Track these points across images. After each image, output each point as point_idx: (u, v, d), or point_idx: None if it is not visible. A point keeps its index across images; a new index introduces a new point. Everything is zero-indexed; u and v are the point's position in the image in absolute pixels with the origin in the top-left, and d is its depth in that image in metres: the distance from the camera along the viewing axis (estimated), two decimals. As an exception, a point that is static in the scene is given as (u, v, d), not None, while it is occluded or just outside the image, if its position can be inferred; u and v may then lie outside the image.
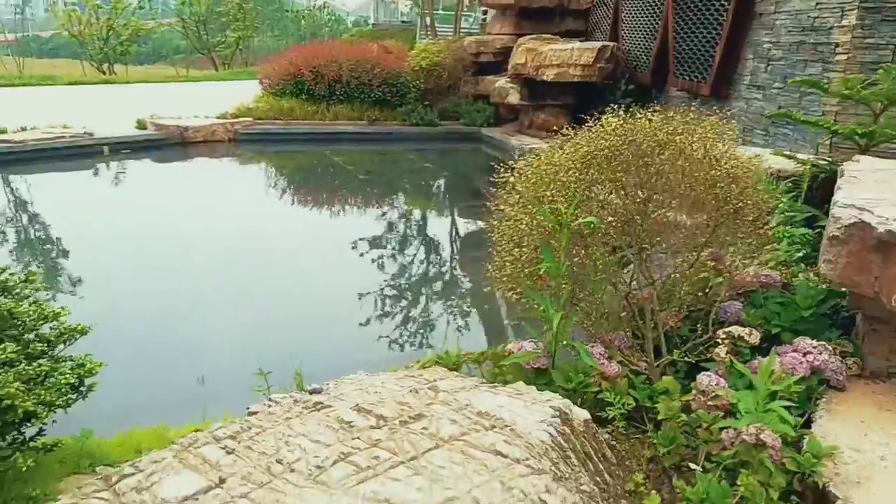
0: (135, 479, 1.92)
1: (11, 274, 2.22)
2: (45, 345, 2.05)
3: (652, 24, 10.97)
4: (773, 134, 7.72)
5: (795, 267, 3.89)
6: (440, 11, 23.68)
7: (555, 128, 10.90)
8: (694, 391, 2.72)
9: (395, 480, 1.91)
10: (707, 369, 2.89)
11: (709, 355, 3.05)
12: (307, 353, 4.53)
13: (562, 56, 11.68)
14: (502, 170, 3.28)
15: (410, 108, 13.85)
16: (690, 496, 2.24)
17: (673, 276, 3.27)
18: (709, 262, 3.21)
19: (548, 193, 2.90)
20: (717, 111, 3.33)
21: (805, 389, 2.75)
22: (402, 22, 29.63)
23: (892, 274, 2.72)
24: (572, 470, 2.24)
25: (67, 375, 1.96)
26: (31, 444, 1.98)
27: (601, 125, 3.09)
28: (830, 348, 2.88)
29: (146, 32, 31.48)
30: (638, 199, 3.01)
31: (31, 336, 2.09)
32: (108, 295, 5.68)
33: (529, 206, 3.02)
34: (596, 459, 2.46)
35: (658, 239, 3.06)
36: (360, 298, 5.84)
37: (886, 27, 6.18)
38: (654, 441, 2.63)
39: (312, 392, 2.83)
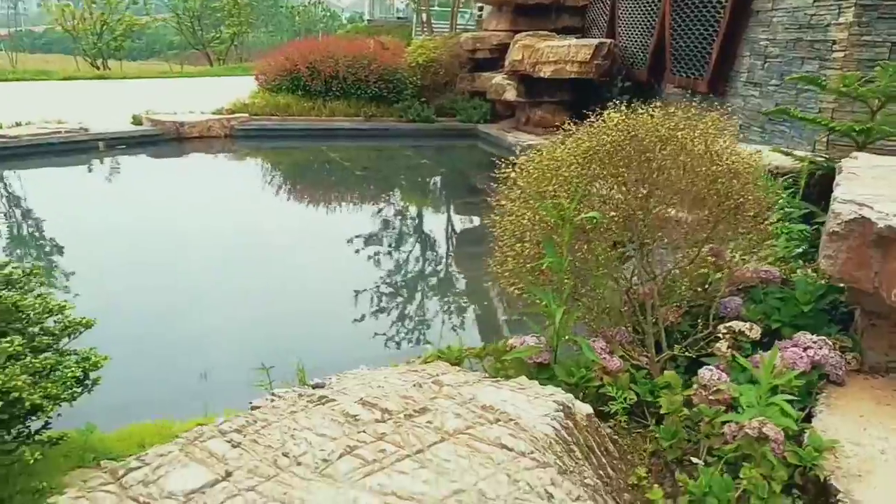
0: (141, 473, 1.91)
1: (15, 267, 2.22)
2: (51, 338, 2.05)
3: (649, 20, 10.98)
4: (769, 131, 7.75)
5: (794, 263, 3.92)
6: (436, 8, 23.62)
7: (551, 125, 10.97)
8: (695, 386, 2.74)
9: (401, 473, 1.91)
10: (707, 364, 2.90)
11: (709, 350, 3.07)
12: (306, 350, 4.54)
13: (559, 53, 11.68)
14: (503, 165, 3.29)
15: (407, 104, 13.83)
16: (693, 489, 2.26)
17: (673, 271, 3.28)
18: (709, 258, 3.23)
19: (550, 188, 2.91)
20: (718, 108, 3.34)
21: (805, 384, 2.77)
22: (398, 18, 29.57)
23: (892, 269, 2.74)
24: (576, 463, 2.25)
25: (73, 369, 1.96)
26: (37, 437, 1.98)
27: (603, 121, 3.10)
28: (830, 343, 2.90)
29: (140, 28, 31.33)
30: (639, 195, 3.02)
31: (36, 329, 2.09)
32: (104, 291, 5.66)
33: (531, 202, 3.02)
34: (599, 453, 2.48)
35: (659, 234, 3.07)
36: (358, 295, 5.85)
37: (883, 24, 6.21)
38: (656, 435, 2.64)
39: (315, 387, 2.84)
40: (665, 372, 2.81)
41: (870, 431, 2.59)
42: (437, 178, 12.05)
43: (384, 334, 5.24)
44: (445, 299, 6.18)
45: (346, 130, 13.43)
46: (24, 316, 2.00)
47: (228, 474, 1.91)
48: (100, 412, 2.84)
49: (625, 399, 2.76)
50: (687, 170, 2.99)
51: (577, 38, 12.82)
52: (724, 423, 2.44)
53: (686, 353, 3.06)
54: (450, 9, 24.22)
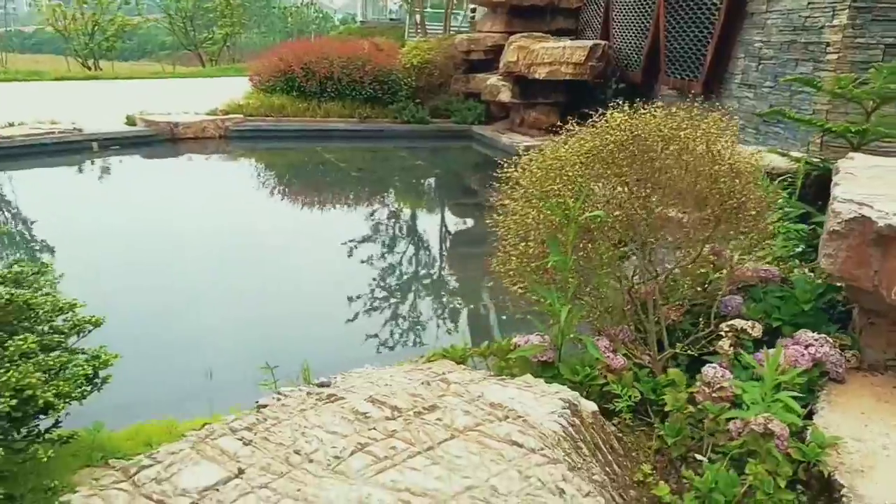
0: (154, 471, 1.92)
1: (22, 265, 2.21)
2: (60, 336, 2.05)
3: (643, 22, 11.04)
4: (764, 132, 7.82)
5: (792, 262, 3.95)
6: (428, 9, 23.65)
7: (546, 126, 11.00)
8: (699, 383, 2.76)
9: (413, 470, 1.92)
10: (709, 362, 2.93)
11: (711, 349, 3.09)
12: (305, 350, 4.55)
13: (553, 54, 11.73)
14: (505, 165, 3.31)
15: (402, 105, 13.85)
16: (699, 485, 2.28)
17: (675, 270, 3.31)
18: (710, 257, 3.25)
19: (555, 188, 2.93)
20: (716, 109, 3.37)
21: (806, 381, 2.80)
22: (391, 19, 29.58)
23: (892, 267, 2.78)
24: (584, 460, 2.27)
25: (84, 367, 1.96)
26: (47, 435, 1.98)
27: (606, 121, 3.12)
28: (831, 341, 2.93)
29: (132, 28, 31.19)
30: (642, 195, 3.04)
31: (45, 327, 2.08)
32: (100, 291, 5.63)
33: (535, 201, 3.04)
34: (605, 450, 2.50)
35: (662, 233, 3.10)
36: (356, 295, 5.85)
37: (877, 27, 6.28)
38: (661, 433, 2.67)
39: (320, 385, 2.83)
40: (669, 370, 2.83)
41: (871, 428, 2.62)
42: (433, 180, 12.07)
43: (383, 334, 5.25)
44: (443, 299, 6.20)
45: (341, 131, 13.43)
46: (34, 314, 2.00)
47: (241, 472, 1.92)
48: (100, 411, 2.84)
49: (629, 397, 2.78)
50: (689, 169, 3.02)
51: (571, 39, 12.87)
52: (728, 419, 2.47)
53: (688, 352, 3.08)
54: (442, 10, 24.26)
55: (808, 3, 6.98)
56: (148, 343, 4.81)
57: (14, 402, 1.71)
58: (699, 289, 3.44)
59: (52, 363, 1.86)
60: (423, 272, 6.98)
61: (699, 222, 3.10)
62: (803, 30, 7.10)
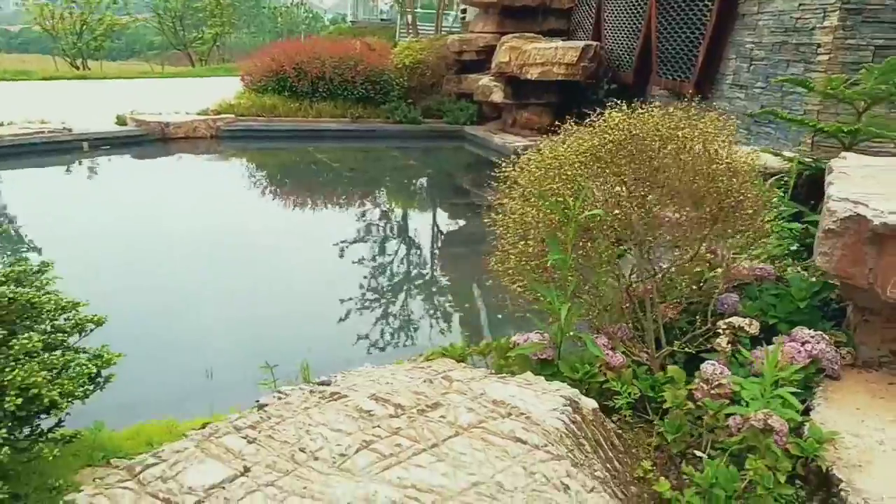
0: (159, 469, 1.92)
1: (23, 263, 2.20)
2: (63, 335, 2.04)
3: (635, 23, 11.10)
4: (755, 133, 7.87)
5: (786, 261, 3.99)
6: (419, 10, 23.64)
7: (538, 126, 11.02)
8: (697, 380, 2.79)
9: (419, 467, 1.93)
10: (706, 360, 2.95)
11: (708, 346, 3.12)
12: (302, 350, 4.53)
13: (546, 55, 11.76)
14: (504, 165, 3.32)
15: (394, 105, 13.84)
16: (700, 481, 2.30)
17: (672, 268, 3.33)
18: (708, 255, 3.28)
19: (554, 186, 2.94)
20: (711, 109, 3.40)
21: (803, 378, 2.83)
22: (382, 20, 29.55)
23: (887, 265, 2.81)
24: (586, 457, 2.29)
25: (89, 365, 1.95)
26: (50, 435, 1.97)
27: (604, 120, 3.14)
28: (827, 338, 2.97)
29: (120, 28, 31.00)
30: (639, 194, 3.06)
31: (47, 326, 2.08)
32: (94, 292, 5.57)
33: (534, 200, 3.06)
34: (606, 447, 2.51)
35: (660, 232, 3.12)
36: (351, 295, 5.85)
37: (867, 28, 6.35)
38: (660, 429, 2.68)
39: (321, 384, 2.84)
40: (668, 367, 2.85)
41: (867, 423, 2.65)
42: (425, 180, 12.08)
43: (379, 334, 5.25)
44: (438, 299, 6.20)
45: (333, 131, 13.40)
46: (36, 313, 1.99)
47: (247, 469, 1.92)
48: (97, 411, 2.83)
49: (629, 394, 2.79)
50: (686, 169, 3.04)
51: (562, 40, 12.92)
52: (728, 415, 2.49)
53: (686, 349, 3.10)
54: (433, 11, 24.27)
55: (799, 5, 7.05)
56: (143, 343, 4.78)
57: (19, 400, 1.70)
58: (695, 287, 3.47)
59: (55, 362, 1.86)
60: (416, 272, 6.99)
61: (696, 221, 3.12)
62: (794, 31, 7.16)
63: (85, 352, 2.19)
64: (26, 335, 1.81)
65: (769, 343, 3.05)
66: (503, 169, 3.32)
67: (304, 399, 2.33)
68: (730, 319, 3.02)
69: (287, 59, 13.67)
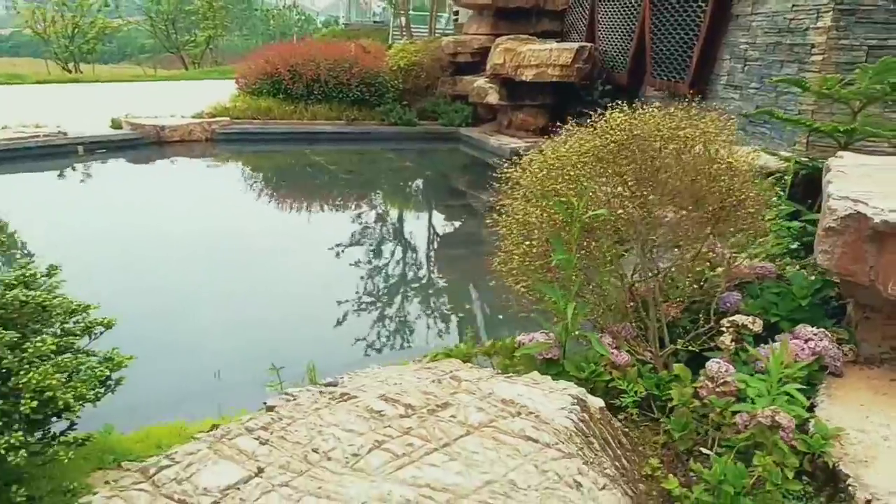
0: (173, 471, 1.92)
1: (31, 267, 2.20)
2: (73, 338, 2.04)
3: (629, 25, 11.15)
4: (750, 133, 7.92)
5: (785, 259, 4.02)
6: (412, 12, 23.66)
7: (533, 127, 11.02)
8: (701, 378, 2.81)
9: (432, 466, 1.94)
10: (708, 358, 2.97)
11: (712, 345, 3.14)
12: (304, 352, 4.53)
13: (540, 56, 11.80)
14: (505, 166, 3.34)
15: (389, 107, 13.85)
16: (708, 478, 2.31)
17: (674, 268, 3.36)
18: (710, 254, 3.31)
19: (557, 187, 2.96)
20: (710, 110, 3.43)
21: (806, 375, 2.85)
22: (374, 22, 29.58)
23: (888, 262, 2.84)
24: (595, 455, 2.30)
25: (103, 368, 1.95)
26: (62, 438, 1.97)
27: (606, 120, 3.17)
28: (830, 335, 2.99)
29: (112, 31, 30.89)
30: (641, 194, 3.09)
31: (57, 329, 2.08)
32: (89, 296, 5.58)
33: (536, 200, 3.08)
34: (613, 445, 2.53)
35: (662, 231, 3.14)
36: (353, 297, 5.85)
37: (860, 28, 6.40)
38: (667, 427, 2.70)
39: (328, 385, 2.84)
40: (674, 365, 2.87)
41: (871, 419, 2.68)
42: (421, 182, 12.08)
43: (381, 335, 5.26)
44: (439, 300, 6.21)
45: (329, 134, 13.40)
46: (47, 315, 1.99)
47: (260, 470, 1.93)
48: (102, 414, 2.83)
49: (635, 392, 2.81)
50: (688, 168, 3.06)
51: (556, 42, 12.96)
52: (734, 413, 2.51)
53: (689, 348, 3.12)
54: (426, 13, 24.31)
55: (793, 6, 7.10)
56: (143, 345, 4.75)
57: (35, 403, 1.70)
58: (697, 286, 3.50)
59: (68, 364, 1.86)
60: (415, 273, 7.00)
61: (698, 220, 3.15)
62: (788, 32, 7.21)
63: (94, 355, 2.19)
64: (39, 338, 1.81)
65: (771, 341, 3.08)
66: (505, 170, 3.34)
67: (315, 400, 2.34)
68: (733, 317, 3.05)
69: (282, 62, 13.67)
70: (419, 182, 12.07)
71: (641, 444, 2.75)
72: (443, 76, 14.76)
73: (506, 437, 2.10)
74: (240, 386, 4.22)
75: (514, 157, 3.39)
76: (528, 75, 11.98)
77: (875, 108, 5.66)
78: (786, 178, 4.72)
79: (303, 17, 51.78)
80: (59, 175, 10.15)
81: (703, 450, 2.61)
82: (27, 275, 2.05)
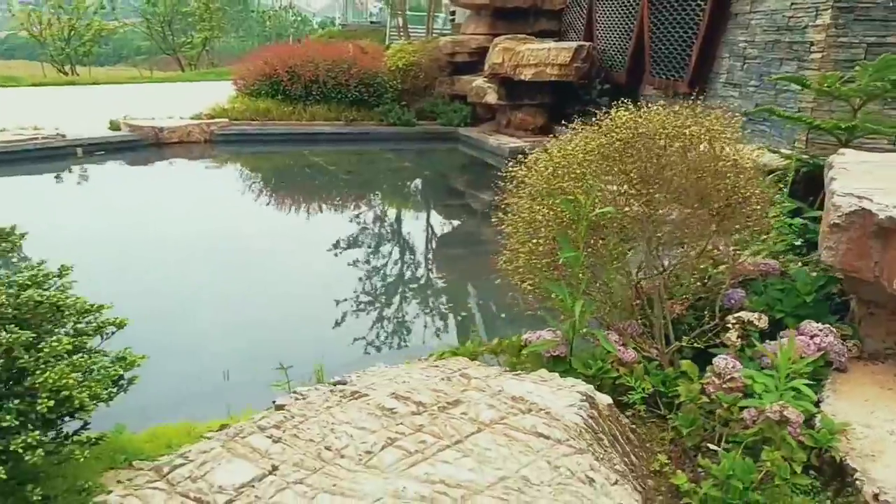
0: (187, 469, 1.93)
1: (42, 267, 2.21)
2: (85, 338, 2.04)
3: (627, 24, 11.17)
4: (750, 130, 7.93)
5: (788, 256, 4.04)
6: (409, 12, 23.68)
7: (532, 127, 11.02)
8: (708, 374, 2.82)
9: (445, 463, 1.95)
10: (713, 355, 2.99)
11: (717, 341, 3.16)
12: (308, 351, 4.54)
13: (539, 55, 11.81)
14: (511, 165, 3.36)
15: (387, 108, 13.85)
16: (717, 473, 2.33)
17: (678, 265, 3.37)
18: (714, 252, 3.32)
19: (564, 185, 2.97)
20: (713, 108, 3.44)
21: (812, 371, 2.87)
22: (371, 23, 29.57)
23: (892, 258, 2.86)
24: (605, 451, 2.32)
25: (116, 367, 1.96)
26: (75, 437, 1.97)
27: (611, 119, 3.18)
28: (835, 331, 3.01)
29: (108, 33, 30.86)
30: (646, 192, 3.10)
31: (69, 329, 2.08)
32: (91, 298, 5.58)
33: (545, 199, 3.09)
34: (622, 441, 2.54)
35: (668, 229, 3.16)
36: (355, 297, 5.86)
37: (859, 26, 6.42)
38: (675, 423, 2.72)
39: (336, 384, 2.85)
40: (681, 362, 2.89)
41: (877, 414, 2.69)
42: (421, 182, 12.09)
43: (381, 335, 5.26)
44: (441, 300, 6.22)
45: (327, 135, 13.39)
46: (61, 315, 2.00)
47: (274, 468, 1.93)
48: (107, 413, 2.83)
49: (642, 389, 2.83)
50: (693, 166, 3.08)
51: (554, 41, 12.97)
52: (742, 408, 2.52)
53: (695, 345, 3.14)
54: (422, 13, 24.31)
55: (792, 4, 7.12)
56: (145, 347, 4.77)
57: (52, 402, 1.71)
58: (701, 284, 3.51)
59: (83, 364, 1.86)
60: (417, 273, 7.00)
61: (704, 217, 3.16)
62: (787, 30, 7.23)
63: (106, 354, 2.20)
64: (55, 338, 1.82)
65: (775, 337, 3.10)
66: (510, 169, 3.36)
67: (326, 398, 2.34)
68: (739, 314, 3.06)
69: (280, 63, 13.66)
70: (418, 182, 12.08)
71: (649, 441, 2.76)
72: (441, 76, 14.76)
73: (517, 434, 2.12)
74: (242, 386, 4.22)
75: (520, 156, 3.40)
76: (526, 75, 11.99)
77: (875, 105, 5.68)
78: (787, 175, 4.73)
79: (299, 19, 51.75)
80: (59, 177, 10.13)
81: (711, 445, 2.63)
82: (40, 275, 2.05)
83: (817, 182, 4.61)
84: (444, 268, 7.21)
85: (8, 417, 1.67)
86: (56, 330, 2.10)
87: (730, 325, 3.03)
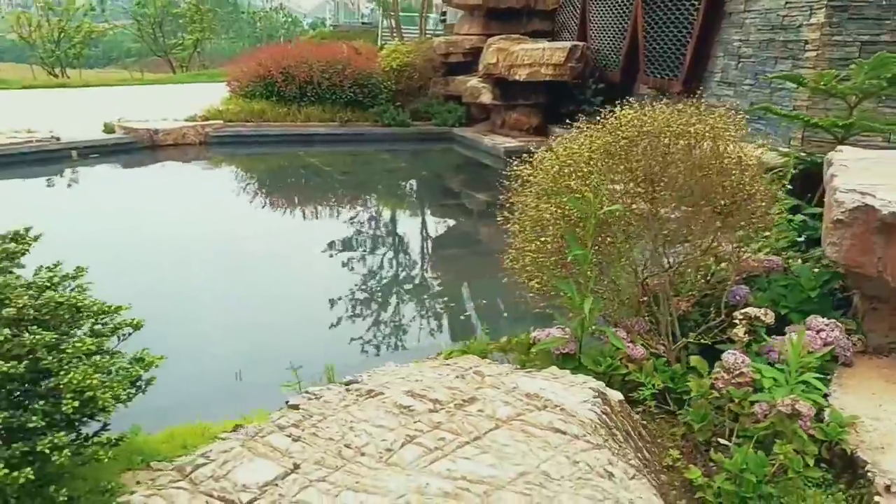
0: (209, 469, 1.94)
1: (57, 269, 2.21)
2: (102, 338, 2.05)
3: (621, 24, 11.23)
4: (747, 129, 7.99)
5: (790, 252, 4.08)
6: (401, 13, 23.70)
7: (527, 127, 11.05)
8: (717, 370, 2.85)
9: (465, 459, 1.97)
10: (719, 351, 3.02)
11: (724, 337, 3.19)
12: (312, 352, 4.54)
13: (533, 56, 11.85)
14: (516, 164, 3.38)
15: (382, 108, 13.85)
16: (729, 467, 2.35)
17: (684, 262, 3.40)
18: (719, 249, 3.35)
19: (571, 183, 3.00)
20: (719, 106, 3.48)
21: (818, 365, 2.90)
22: (363, 23, 29.60)
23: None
24: (619, 446, 2.34)
25: (137, 368, 1.97)
26: (96, 438, 1.98)
27: (616, 118, 3.21)
28: (840, 326, 3.04)
29: (99, 35, 30.71)
30: (653, 189, 3.13)
31: (86, 330, 2.08)
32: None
33: (552, 197, 3.11)
34: (634, 437, 2.57)
35: (674, 226, 3.18)
36: (353, 298, 5.86)
37: (853, 25, 6.49)
38: (686, 419, 2.74)
39: (349, 384, 2.86)
40: (691, 357, 2.92)
41: (884, 408, 2.73)
42: (417, 182, 12.10)
43: (381, 335, 5.27)
44: (442, 300, 6.23)
45: (322, 136, 13.38)
46: (79, 316, 2.00)
47: (296, 466, 1.95)
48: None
49: (652, 385, 2.85)
50: (697, 164, 3.11)
51: (548, 41, 13.02)
52: (753, 402, 2.55)
53: (702, 341, 3.16)
54: (413, 14, 24.34)
55: (786, 3, 7.19)
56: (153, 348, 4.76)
57: (76, 403, 1.71)
58: (706, 280, 3.55)
59: (104, 365, 1.87)
60: (417, 273, 7.02)
61: (709, 215, 3.19)
62: (781, 28, 7.30)
63: (123, 355, 2.20)
64: (78, 338, 1.83)
65: (780, 333, 3.14)
66: (514, 169, 3.38)
67: (342, 397, 2.36)
68: (745, 310, 3.09)
69: (274, 64, 13.64)
70: (415, 182, 12.09)
71: (660, 437, 2.79)
72: (435, 76, 14.78)
73: (534, 430, 2.14)
74: (249, 387, 4.22)
75: (524, 156, 3.42)
76: (521, 75, 12.03)
77: (869, 103, 5.74)
78: (787, 172, 4.77)
79: (289, 20, 51.67)
80: (54, 180, 10.09)
81: (721, 440, 2.65)
82: (58, 276, 2.06)
83: (813, 179, 4.66)
84: (443, 267, 7.22)
85: (34, 418, 1.67)
86: (73, 331, 2.11)
87: (737, 321, 3.06)
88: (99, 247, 6.99)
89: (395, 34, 19.49)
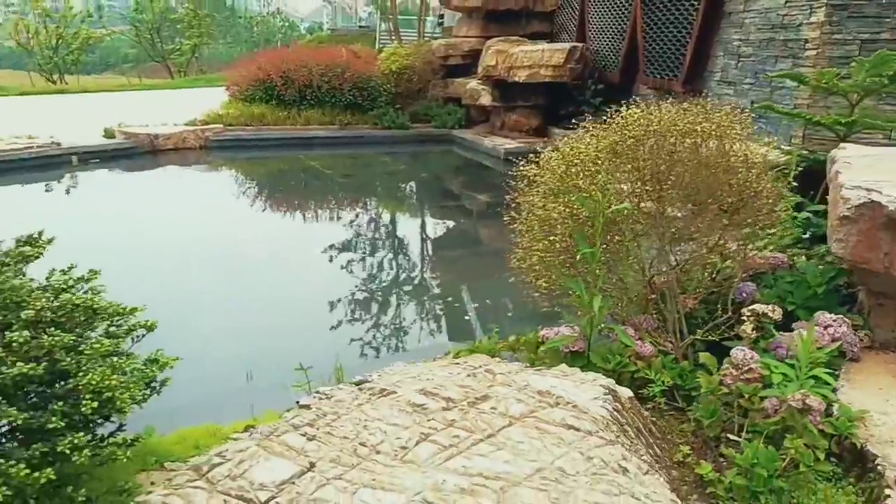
0: (225, 468, 1.95)
1: (70, 272, 2.22)
2: (117, 339, 2.06)
3: (620, 24, 11.26)
4: (745, 128, 8.02)
5: (794, 249, 4.10)
6: (399, 16, 23.74)
7: (526, 128, 11.09)
8: (726, 366, 2.86)
9: (480, 456, 1.98)
10: (728, 347, 3.03)
11: (731, 334, 3.20)
12: (316, 353, 4.54)
13: (533, 57, 11.88)
14: (522, 165, 3.40)
15: (382, 111, 13.88)
16: (741, 462, 2.37)
17: (690, 260, 3.42)
18: (726, 246, 3.37)
19: (579, 182, 3.01)
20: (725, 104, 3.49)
21: (826, 361, 2.92)
22: (360, 27, 29.64)
23: (902, 249, 2.92)
24: (631, 443, 2.35)
25: (153, 369, 1.98)
26: (112, 439, 1.98)
27: (623, 117, 3.22)
28: (848, 321, 3.06)
29: (97, 41, 30.76)
30: (660, 187, 3.14)
31: (101, 332, 2.09)
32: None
33: (558, 197, 3.12)
34: (645, 433, 2.58)
35: (681, 224, 3.20)
36: (355, 298, 5.87)
37: (853, 23, 6.51)
38: (695, 415, 2.75)
39: (359, 383, 2.87)
40: (701, 354, 2.93)
41: (892, 402, 2.74)
42: (417, 184, 12.11)
43: (382, 336, 5.28)
44: (443, 299, 6.24)
45: (322, 139, 13.40)
46: (96, 317, 2.01)
47: (312, 465, 1.95)
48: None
49: (662, 382, 2.86)
50: (703, 163, 3.13)
51: (546, 43, 13.06)
52: (763, 398, 2.57)
53: (709, 338, 3.18)
54: (411, 17, 24.39)
55: (786, 2, 7.21)
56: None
57: (95, 404, 1.72)
58: (712, 278, 3.56)
59: (121, 366, 1.88)
60: (417, 274, 7.03)
61: (716, 212, 3.21)
62: (781, 27, 7.33)
63: (133, 356, 2.21)
64: (95, 340, 1.84)
65: (787, 329, 3.15)
66: (521, 169, 3.39)
67: (355, 396, 2.37)
68: (753, 307, 3.11)
69: (273, 68, 13.66)
70: (415, 184, 12.10)
71: (669, 433, 2.80)
72: (434, 79, 14.81)
73: (548, 427, 2.15)
74: (256, 388, 4.23)
75: (531, 156, 3.44)
76: (520, 76, 12.06)
77: (870, 101, 5.77)
78: (791, 170, 4.79)
79: (286, 24, 51.78)
80: (54, 185, 10.09)
81: (731, 436, 2.67)
82: (73, 278, 2.07)
83: (815, 177, 4.68)
84: (445, 268, 7.23)
85: (54, 419, 1.68)
86: (88, 333, 2.12)
87: (745, 318, 3.07)
88: (101, 251, 6.99)
89: (393, 37, 19.51)
